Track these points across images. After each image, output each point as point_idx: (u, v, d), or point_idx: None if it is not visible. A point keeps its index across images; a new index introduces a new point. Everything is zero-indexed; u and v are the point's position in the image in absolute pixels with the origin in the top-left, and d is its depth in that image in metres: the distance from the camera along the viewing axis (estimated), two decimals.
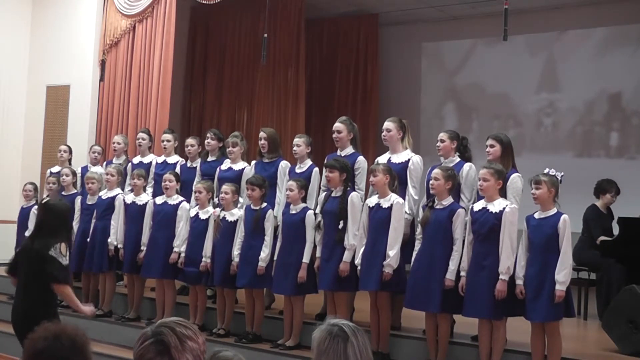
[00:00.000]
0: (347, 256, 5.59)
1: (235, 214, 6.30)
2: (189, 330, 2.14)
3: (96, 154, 8.16)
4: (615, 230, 7.27)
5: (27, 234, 7.09)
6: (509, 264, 4.95)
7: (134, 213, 6.95)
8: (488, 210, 5.07)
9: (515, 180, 5.39)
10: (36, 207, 7.28)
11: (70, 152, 8.35)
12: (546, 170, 5.03)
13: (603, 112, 10.11)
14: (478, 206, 5.16)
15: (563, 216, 4.89)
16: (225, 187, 6.33)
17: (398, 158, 5.89)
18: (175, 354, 2.08)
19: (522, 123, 10.55)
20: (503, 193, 5.19)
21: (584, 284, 7.36)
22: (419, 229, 5.44)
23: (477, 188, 5.45)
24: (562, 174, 5.06)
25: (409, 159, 5.84)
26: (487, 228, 5.04)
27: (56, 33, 9.84)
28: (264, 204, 6.15)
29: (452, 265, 5.19)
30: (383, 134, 6.00)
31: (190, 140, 7.38)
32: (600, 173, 7.81)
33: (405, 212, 5.61)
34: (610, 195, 7.46)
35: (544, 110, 10.42)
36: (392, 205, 5.41)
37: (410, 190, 5.75)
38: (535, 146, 10.28)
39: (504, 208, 5.03)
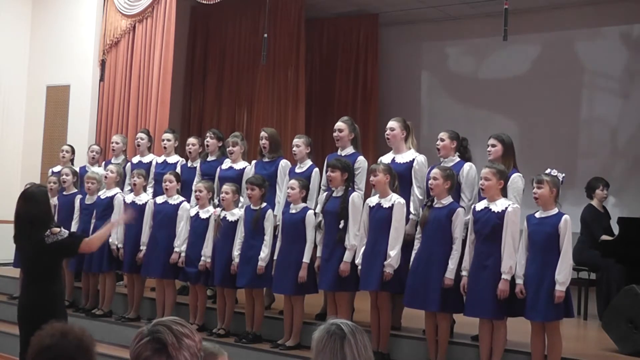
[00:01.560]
0: (347, 256, 5.58)
1: (236, 213, 6.30)
2: (186, 329, 2.14)
3: (94, 154, 8.15)
4: (615, 229, 7.27)
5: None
6: (512, 264, 4.95)
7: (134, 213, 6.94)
8: (490, 210, 5.07)
9: (516, 180, 5.39)
10: None
11: (73, 152, 8.34)
12: (548, 171, 5.04)
13: (609, 112, 10.10)
14: (480, 206, 5.16)
15: (564, 216, 4.89)
16: (226, 187, 6.33)
17: (402, 158, 5.88)
18: (173, 351, 2.07)
19: (525, 123, 10.53)
20: (504, 193, 5.19)
21: (584, 284, 7.36)
22: (418, 228, 5.44)
23: (478, 188, 5.46)
24: (564, 174, 5.07)
25: (413, 159, 5.83)
26: (489, 228, 5.04)
27: (56, 33, 9.85)
28: (264, 204, 6.15)
29: (452, 264, 5.19)
30: (386, 132, 5.98)
31: (191, 140, 7.38)
32: (606, 171, 7.80)
33: (411, 213, 5.61)
34: (600, 190, 7.47)
35: (546, 110, 10.40)
36: (393, 205, 5.41)
37: (415, 190, 5.74)
38: (538, 145, 10.25)
39: (506, 208, 5.02)
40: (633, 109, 10.06)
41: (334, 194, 5.77)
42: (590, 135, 10.33)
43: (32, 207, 4.67)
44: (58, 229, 4.61)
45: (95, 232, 4.94)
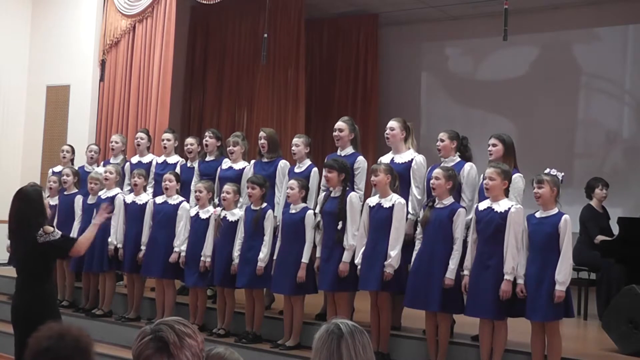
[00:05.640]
0: (346, 256, 5.59)
1: (236, 213, 6.30)
2: (188, 329, 2.15)
3: (93, 153, 8.14)
4: (613, 229, 7.27)
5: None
6: (514, 264, 4.95)
7: (134, 213, 6.95)
8: (493, 210, 5.07)
9: (517, 180, 5.39)
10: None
11: (73, 152, 8.34)
12: (547, 170, 5.04)
13: (607, 113, 10.11)
14: (483, 206, 5.16)
15: (564, 216, 4.89)
16: (227, 187, 6.33)
17: (401, 158, 5.88)
18: (174, 350, 2.08)
19: (523, 124, 10.52)
20: (506, 193, 5.19)
21: (584, 284, 7.36)
22: (419, 229, 5.44)
23: (479, 188, 5.46)
24: (563, 174, 5.07)
25: (412, 159, 5.83)
26: (492, 228, 5.03)
27: (56, 33, 9.84)
28: (264, 204, 6.15)
29: (452, 265, 5.19)
30: (386, 132, 5.99)
31: (190, 140, 7.38)
32: (604, 171, 7.81)
33: (409, 212, 5.61)
34: (599, 189, 7.47)
35: (544, 110, 10.39)
36: (393, 205, 5.41)
37: (414, 190, 5.75)
38: (535, 146, 10.25)
39: (509, 208, 5.02)
40: (630, 109, 10.08)
41: (332, 195, 5.77)
42: (587, 136, 10.34)
43: (25, 206, 4.67)
44: (51, 229, 4.62)
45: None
